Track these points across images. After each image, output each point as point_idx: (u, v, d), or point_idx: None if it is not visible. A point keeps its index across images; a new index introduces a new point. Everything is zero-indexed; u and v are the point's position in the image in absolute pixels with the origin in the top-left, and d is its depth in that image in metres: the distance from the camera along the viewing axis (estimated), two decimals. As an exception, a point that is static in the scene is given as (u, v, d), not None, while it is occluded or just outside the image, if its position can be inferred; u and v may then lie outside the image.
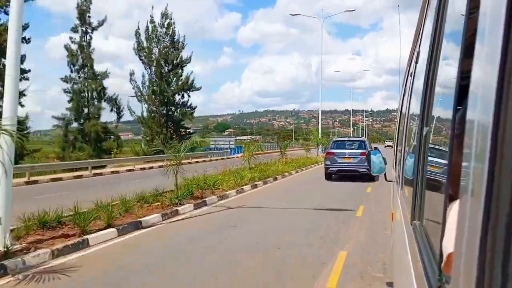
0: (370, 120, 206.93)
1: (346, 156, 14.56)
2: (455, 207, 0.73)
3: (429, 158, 1.24)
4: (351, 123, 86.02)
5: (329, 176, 14.92)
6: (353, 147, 15.15)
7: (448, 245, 0.66)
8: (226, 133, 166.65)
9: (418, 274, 0.98)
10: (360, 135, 58.26)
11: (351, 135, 57.32)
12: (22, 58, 23.54)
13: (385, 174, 3.78)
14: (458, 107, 0.75)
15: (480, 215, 0.38)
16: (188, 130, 34.40)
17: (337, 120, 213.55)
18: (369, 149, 17.85)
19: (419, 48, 1.93)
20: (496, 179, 0.37)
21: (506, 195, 0.36)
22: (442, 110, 1.08)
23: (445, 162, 0.87)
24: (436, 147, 1.15)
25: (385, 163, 3.71)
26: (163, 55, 31.56)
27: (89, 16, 28.76)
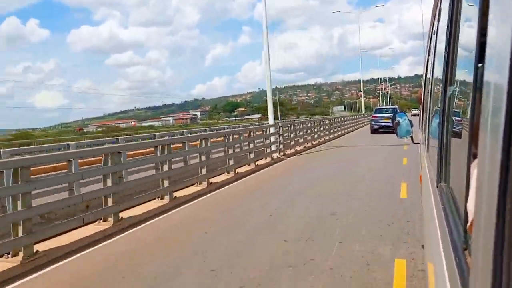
0: (398, 87, 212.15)
1: (385, 117, 22.77)
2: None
3: (454, 119, 1.26)
4: (377, 92, 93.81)
5: (374, 131, 23.46)
6: (388, 111, 24.09)
7: (472, 207, 0.65)
8: (235, 112, 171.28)
9: (444, 236, 0.99)
10: (389, 103, 70.11)
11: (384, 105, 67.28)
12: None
13: (411, 137, 3.85)
14: (480, 65, 0.72)
15: (497, 174, 0.39)
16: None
17: (361, 90, 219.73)
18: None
19: (440, 5, 1.88)
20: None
21: None
22: (465, 69, 1.07)
23: (468, 122, 0.87)
24: (460, 107, 1.16)
25: (412, 125, 3.76)
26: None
27: None
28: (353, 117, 35.07)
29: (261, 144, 12.80)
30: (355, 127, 31.90)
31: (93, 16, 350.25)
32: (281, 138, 14.06)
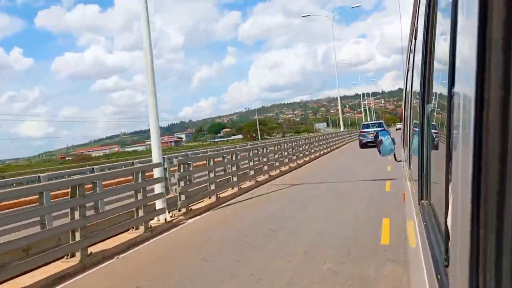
0: (383, 102, 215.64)
1: (371, 132, 23.48)
2: None
3: (432, 136, 1.26)
4: (361, 108, 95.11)
5: (362, 145, 24.34)
6: (375, 126, 25.75)
7: (452, 224, 0.66)
8: (221, 133, 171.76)
9: (426, 253, 0.99)
10: (373, 118, 71.85)
11: (369, 120, 68.30)
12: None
13: (394, 155, 3.82)
14: (455, 82, 0.70)
15: (469, 193, 0.40)
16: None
17: (347, 106, 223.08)
18: (384, 128, 24.20)
19: (417, 23, 1.91)
20: (486, 154, 0.38)
21: (495, 170, 0.38)
22: (441, 86, 1.09)
23: (446, 139, 0.88)
24: (438, 124, 1.16)
25: (394, 143, 3.76)
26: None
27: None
28: (332, 135, 31.41)
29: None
30: (335, 145, 28.69)
31: (77, 42, 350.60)
32: (176, 185, 8.45)
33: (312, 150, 21.25)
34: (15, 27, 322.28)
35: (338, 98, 43.99)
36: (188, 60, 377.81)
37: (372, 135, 22.85)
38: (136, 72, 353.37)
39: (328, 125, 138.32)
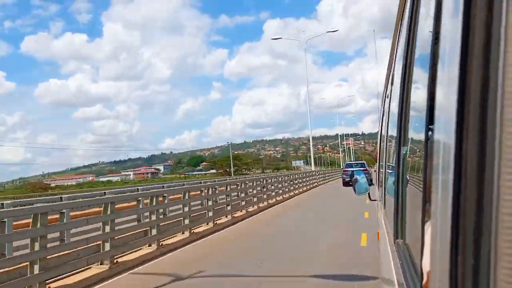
0: (362, 143, 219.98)
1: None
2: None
3: (407, 177, 1.29)
4: (340, 148, 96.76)
5: (345, 183, 24.15)
6: (358, 165, 27.97)
7: (427, 263, 0.67)
8: (200, 167, 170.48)
9: None
10: (353, 159, 75.56)
11: (350, 160, 70.10)
12: None
13: (369, 194, 3.91)
14: (430, 126, 0.75)
15: (448, 233, 0.41)
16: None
17: (328, 146, 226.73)
18: (366, 168, 26.39)
19: (393, 71, 2.00)
20: (461, 196, 0.40)
21: (471, 212, 0.39)
22: (417, 130, 1.12)
23: (422, 180, 0.90)
24: (413, 166, 1.18)
25: (369, 184, 3.88)
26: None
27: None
28: (304, 174, 28.36)
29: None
30: (305, 187, 25.32)
31: (62, 69, 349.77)
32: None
33: (287, 190, 19.45)
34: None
35: (310, 138, 43.91)
36: (173, 92, 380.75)
37: None
38: (119, 102, 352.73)
39: (307, 163, 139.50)
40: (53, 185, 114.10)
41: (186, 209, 9.44)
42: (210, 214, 10.74)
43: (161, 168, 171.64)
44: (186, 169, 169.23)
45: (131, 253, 7.41)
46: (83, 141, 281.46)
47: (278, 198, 17.53)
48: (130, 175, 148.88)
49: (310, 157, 42.10)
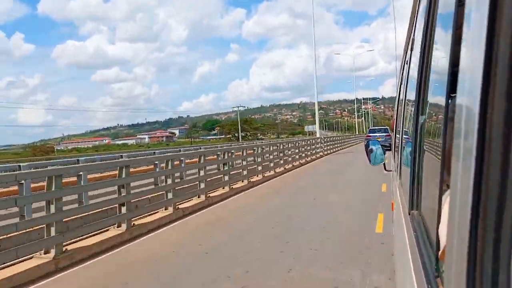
0: (382, 108, 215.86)
1: (377, 136, 24.33)
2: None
3: (425, 147, 1.28)
4: (357, 113, 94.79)
5: (366, 148, 26.45)
6: (381, 131, 28.13)
7: (444, 234, 0.67)
8: (215, 131, 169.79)
9: (416, 264, 1.00)
10: (371, 124, 73.65)
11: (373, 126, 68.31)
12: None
13: (384, 164, 3.81)
14: (452, 95, 0.74)
15: (469, 205, 0.40)
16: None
17: (345, 110, 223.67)
18: (389, 133, 25.76)
19: (414, 33, 1.93)
20: (484, 167, 0.39)
21: (494, 183, 0.38)
22: (437, 99, 1.10)
23: (440, 150, 0.89)
24: (432, 135, 1.17)
25: (384, 153, 3.80)
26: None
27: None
28: (310, 141, 24.00)
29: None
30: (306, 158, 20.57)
31: (79, 30, 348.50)
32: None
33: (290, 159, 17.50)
34: (17, 12, 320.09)
35: (315, 100, 39.90)
36: (190, 54, 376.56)
37: (378, 139, 24.98)
38: (137, 65, 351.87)
39: (324, 128, 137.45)
40: (70, 147, 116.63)
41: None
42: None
43: (177, 132, 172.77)
44: (201, 133, 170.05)
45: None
46: (102, 104, 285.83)
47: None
48: (145, 138, 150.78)
49: (324, 122, 39.96)
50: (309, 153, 21.71)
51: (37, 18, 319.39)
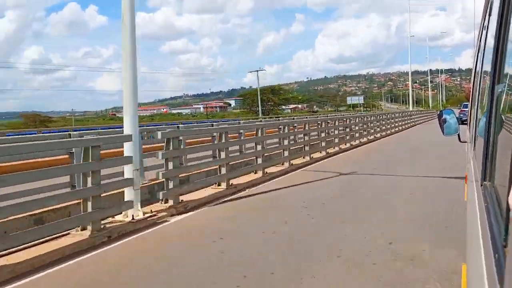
0: (458, 79, 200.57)
1: None
2: None
3: (502, 117, 1.26)
4: (431, 84, 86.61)
5: (463, 122, 24.89)
6: None
7: None
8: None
9: (485, 234, 1.02)
10: (444, 97, 67.88)
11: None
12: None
13: (458, 135, 3.73)
14: None
15: None
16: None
17: (417, 82, 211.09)
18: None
19: None
20: None
21: None
22: None
23: None
24: (509, 106, 1.15)
25: (459, 123, 3.70)
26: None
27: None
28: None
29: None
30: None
31: (149, 2, 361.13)
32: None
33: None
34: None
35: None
36: (254, 25, 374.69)
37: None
38: (203, 36, 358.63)
39: (391, 101, 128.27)
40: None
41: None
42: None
43: (232, 102, 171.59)
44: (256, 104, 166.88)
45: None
46: (170, 74, 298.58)
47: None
48: (200, 108, 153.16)
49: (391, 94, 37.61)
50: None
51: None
